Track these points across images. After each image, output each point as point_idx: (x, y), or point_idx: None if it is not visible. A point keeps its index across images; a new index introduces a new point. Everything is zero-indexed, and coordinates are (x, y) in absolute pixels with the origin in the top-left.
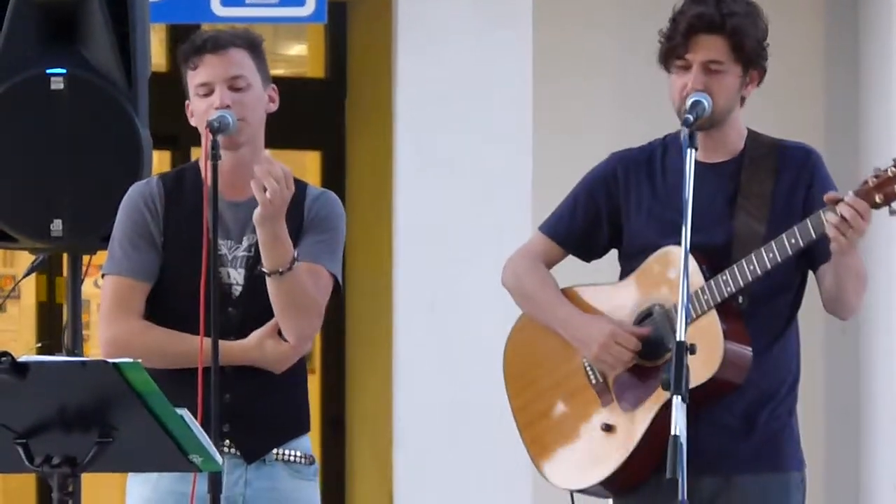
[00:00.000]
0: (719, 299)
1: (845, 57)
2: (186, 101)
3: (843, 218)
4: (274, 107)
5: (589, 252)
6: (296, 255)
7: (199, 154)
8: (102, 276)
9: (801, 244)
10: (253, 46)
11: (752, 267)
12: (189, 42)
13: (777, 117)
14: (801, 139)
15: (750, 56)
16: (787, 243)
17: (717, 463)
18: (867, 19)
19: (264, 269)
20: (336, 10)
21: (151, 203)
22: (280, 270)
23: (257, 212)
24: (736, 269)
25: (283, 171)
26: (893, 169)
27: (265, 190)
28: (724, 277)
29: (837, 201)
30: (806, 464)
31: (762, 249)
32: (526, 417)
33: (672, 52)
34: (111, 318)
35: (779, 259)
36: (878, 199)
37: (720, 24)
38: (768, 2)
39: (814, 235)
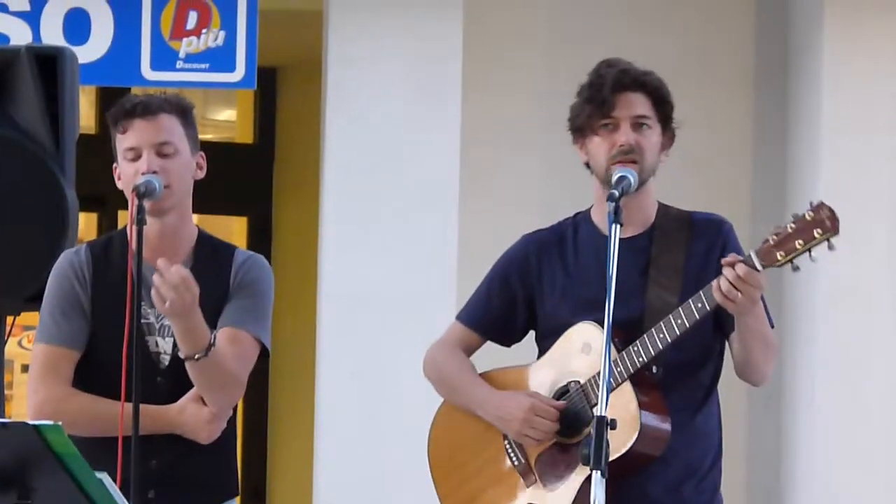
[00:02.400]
0: (632, 370)
1: (773, 133)
2: (114, 164)
3: (727, 280)
4: (202, 174)
5: (507, 337)
6: (212, 340)
7: (125, 217)
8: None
9: (708, 308)
10: (183, 112)
11: (661, 335)
12: (119, 105)
13: (704, 193)
14: (728, 215)
15: (668, 115)
16: (693, 308)
17: None
18: (796, 96)
19: (182, 356)
20: (266, 76)
21: (80, 271)
22: (196, 357)
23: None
24: (646, 338)
25: (181, 276)
26: (792, 225)
27: (165, 301)
28: (636, 348)
29: (733, 264)
30: None
31: (670, 316)
32: (453, 503)
33: (597, 111)
34: (39, 385)
35: (687, 325)
36: (779, 256)
37: (643, 81)
38: (697, 77)
39: (716, 298)
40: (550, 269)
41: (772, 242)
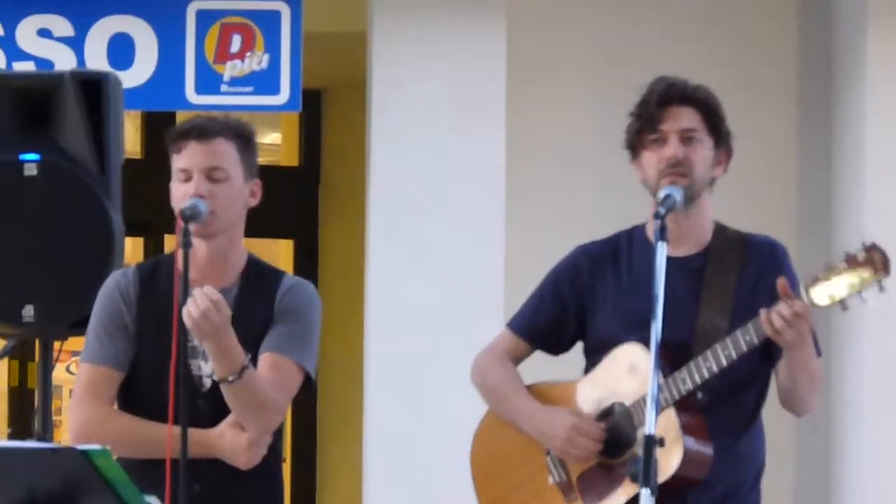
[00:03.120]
0: (677, 396)
1: (818, 150)
2: (171, 183)
3: (781, 317)
4: (255, 201)
5: (556, 347)
6: (247, 362)
7: (172, 241)
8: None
9: (756, 341)
10: (241, 138)
11: (708, 364)
12: (179, 125)
13: (749, 210)
14: (773, 232)
15: (720, 129)
16: (741, 340)
17: None
18: (840, 112)
19: (216, 378)
20: (311, 98)
21: (126, 292)
22: (229, 379)
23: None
24: (693, 365)
25: (210, 298)
26: (844, 264)
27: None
28: (682, 375)
29: (788, 294)
30: None
31: (717, 346)
32: None
33: (646, 126)
34: (81, 404)
35: (734, 356)
36: (829, 295)
37: (692, 94)
38: (740, 94)
39: (767, 332)
40: (603, 282)
41: (822, 279)
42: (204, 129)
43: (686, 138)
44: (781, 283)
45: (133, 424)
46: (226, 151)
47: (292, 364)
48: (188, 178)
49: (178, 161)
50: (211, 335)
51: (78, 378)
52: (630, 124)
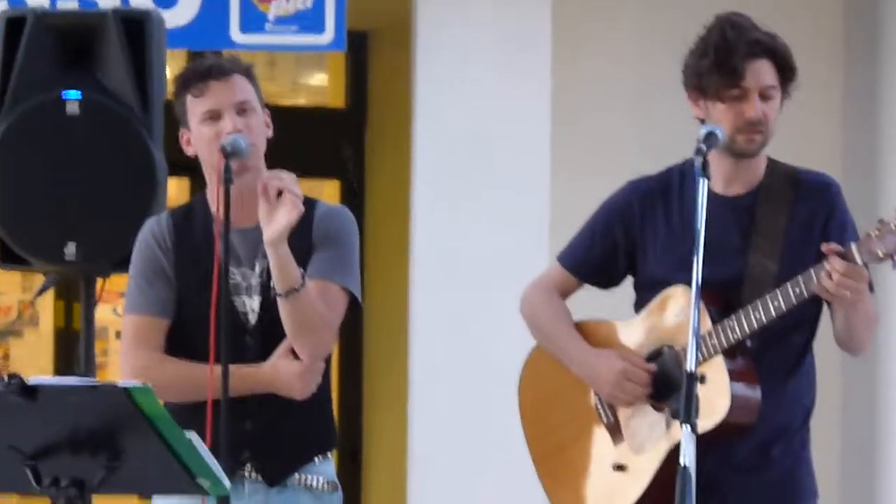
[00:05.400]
0: (725, 345)
1: (863, 90)
2: (181, 130)
3: (831, 279)
4: (270, 132)
5: (606, 282)
6: (302, 273)
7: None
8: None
9: (806, 294)
10: (249, 73)
11: (757, 315)
12: (189, 69)
13: (794, 145)
14: (817, 168)
15: (791, 78)
16: (791, 292)
17: (730, 499)
18: (886, 50)
19: (278, 292)
20: (356, 39)
21: (161, 239)
22: (295, 288)
23: (270, 234)
24: (742, 315)
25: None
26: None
27: (279, 201)
28: (731, 323)
29: (836, 253)
30: (819, 495)
31: (767, 297)
32: (540, 450)
33: (726, 79)
34: (129, 354)
35: (784, 308)
36: (881, 252)
37: (772, 47)
38: (788, 31)
39: (821, 294)
40: (653, 221)
41: (873, 236)
42: (222, 68)
43: (764, 95)
44: (827, 248)
45: (183, 368)
46: (245, 86)
47: (337, 288)
48: (216, 118)
49: (202, 104)
50: (281, 238)
51: (123, 330)
52: (702, 67)
